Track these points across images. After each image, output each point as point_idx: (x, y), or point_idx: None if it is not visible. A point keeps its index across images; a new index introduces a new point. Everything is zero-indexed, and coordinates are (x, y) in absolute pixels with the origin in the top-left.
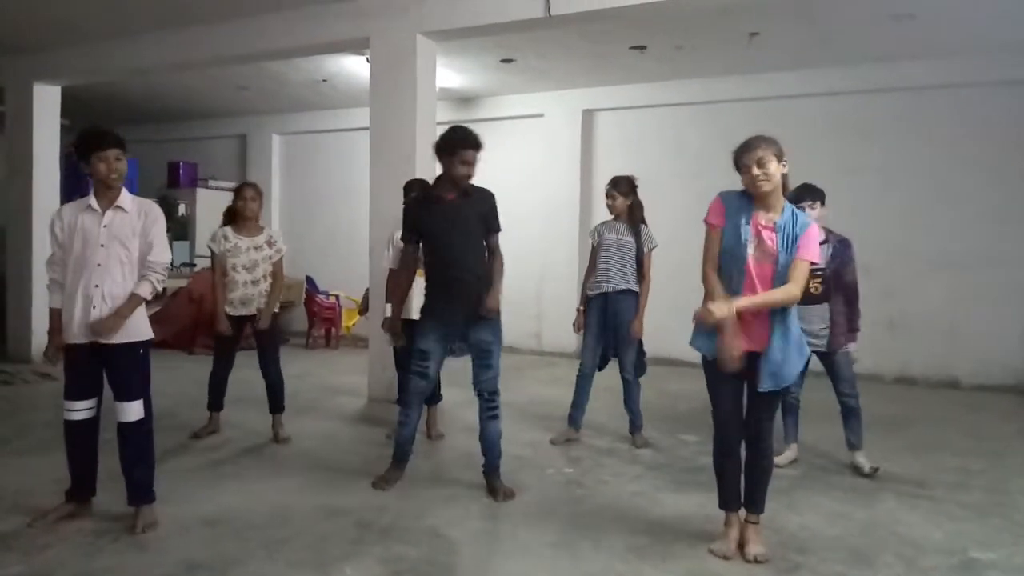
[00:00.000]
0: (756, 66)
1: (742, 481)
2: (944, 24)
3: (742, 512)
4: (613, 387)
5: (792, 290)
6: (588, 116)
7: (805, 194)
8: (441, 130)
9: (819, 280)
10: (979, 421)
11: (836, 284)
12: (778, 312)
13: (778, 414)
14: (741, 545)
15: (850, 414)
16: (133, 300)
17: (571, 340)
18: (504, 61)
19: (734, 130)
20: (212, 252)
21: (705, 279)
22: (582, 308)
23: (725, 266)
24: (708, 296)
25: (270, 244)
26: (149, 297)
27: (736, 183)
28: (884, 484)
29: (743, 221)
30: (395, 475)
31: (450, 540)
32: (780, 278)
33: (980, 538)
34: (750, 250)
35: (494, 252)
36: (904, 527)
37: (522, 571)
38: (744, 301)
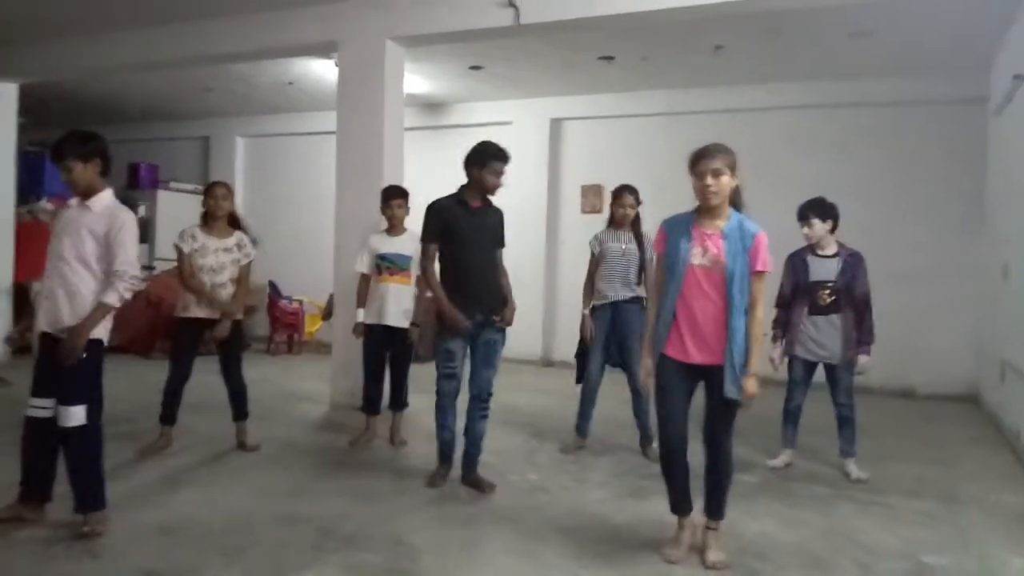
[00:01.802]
0: (721, 79)
1: (690, 485)
2: (900, 43)
3: (697, 516)
4: (576, 394)
5: (759, 314)
6: (556, 125)
7: (809, 210)
8: (409, 135)
9: (828, 292)
10: (933, 429)
11: (846, 297)
12: (733, 323)
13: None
14: (701, 550)
15: (845, 423)
16: (99, 310)
17: (535, 348)
18: (473, 68)
19: (700, 141)
20: (179, 250)
21: (648, 307)
22: (587, 312)
23: (666, 283)
24: (648, 321)
25: (239, 247)
26: (117, 305)
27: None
28: (842, 491)
29: (683, 237)
30: (444, 471)
31: (412, 547)
32: (734, 285)
33: (932, 544)
34: (695, 260)
35: (500, 266)
36: (860, 533)
37: None
38: (754, 360)
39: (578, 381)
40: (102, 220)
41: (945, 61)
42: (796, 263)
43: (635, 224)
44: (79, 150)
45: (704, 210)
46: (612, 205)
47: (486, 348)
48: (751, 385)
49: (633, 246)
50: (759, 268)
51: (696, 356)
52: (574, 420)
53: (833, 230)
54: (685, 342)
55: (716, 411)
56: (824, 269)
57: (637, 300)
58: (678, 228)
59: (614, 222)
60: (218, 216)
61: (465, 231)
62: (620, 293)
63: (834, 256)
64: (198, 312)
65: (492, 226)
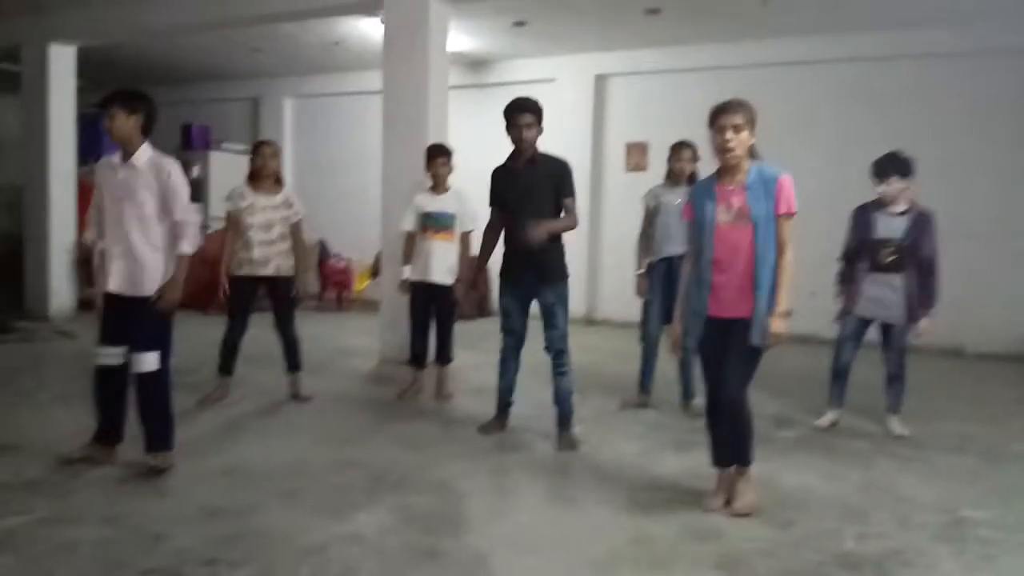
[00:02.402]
0: (770, 31)
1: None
2: None
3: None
4: (622, 351)
5: (787, 257)
6: (600, 81)
7: (890, 166)
8: (453, 94)
9: (891, 250)
10: (981, 388)
11: (911, 257)
12: (760, 272)
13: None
14: (730, 499)
15: (894, 380)
16: (181, 263)
17: (580, 305)
18: (516, 24)
19: (746, 97)
20: (228, 211)
21: (683, 271)
22: (642, 272)
23: (698, 247)
24: (682, 286)
25: (287, 205)
26: (192, 252)
27: None
28: (882, 447)
29: (707, 200)
30: (498, 425)
31: (458, 492)
32: (759, 232)
33: (972, 499)
34: (721, 218)
35: (569, 214)
36: (899, 487)
37: (526, 522)
38: (782, 299)
39: (641, 338)
40: (152, 175)
41: (1003, 8)
42: (864, 218)
43: (692, 179)
44: (127, 101)
45: (724, 169)
46: (670, 160)
47: (544, 311)
48: (779, 324)
49: None
50: (783, 210)
51: (728, 311)
52: (636, 376)
53: (909, 187)
54: (720, 299)
55: (737, 360)
56: (891, 227)
57: None
58: (702, 193)
59: (671, 176)
60: (265, 175)
61: (510, 193)
62: (678, 248)
63: (903, 214)
64: (251, 270)
65: (543, 184)
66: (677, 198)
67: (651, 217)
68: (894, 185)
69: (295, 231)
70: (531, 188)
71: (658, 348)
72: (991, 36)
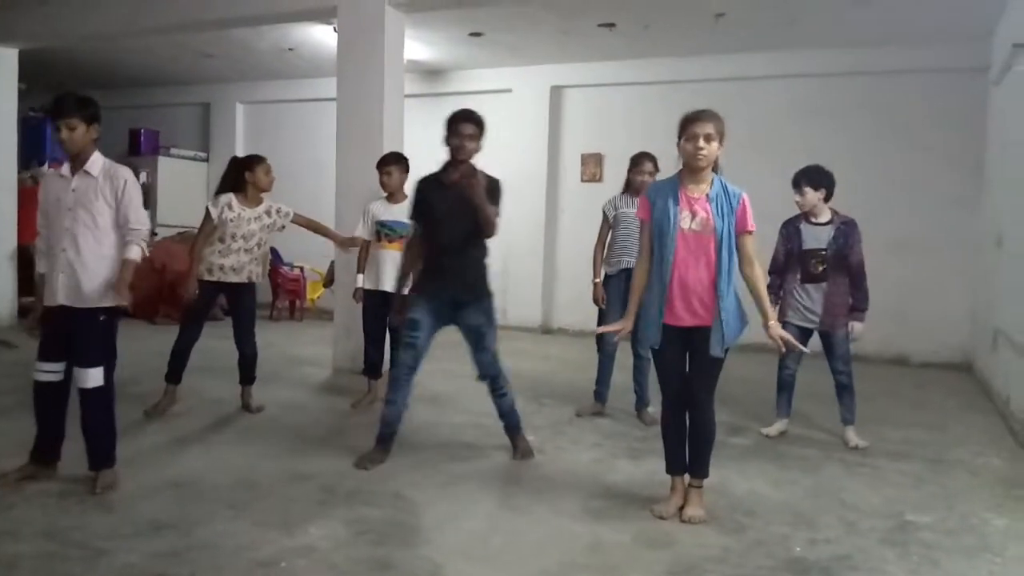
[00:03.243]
0: (722, 47)
1: (685, 446)
2: (901, 12)
3: (687, 477)
4: (578, 360)
5: (758, 270)
6: (556, 92)
7: (801, 178)
8: (409, 103)
9: (820, 260)
10: (925, 396)
11: (838, 265)
12: (721, 285)
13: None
14: (682, 506)
15: (843, 391)
16: (128, 265)
17: (535, 315)
18: (473, 35)
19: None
20: (208, 213)
21: (635, 271)
22: (599, 281)
23: (657, 250)
24: (632, 287)
25: (269, 214)
26: (139, 260)
27: None
28: (831, 453)
29: (670, 201)
30: (379, 456)
31: (412, 502)
32: (723, 247)
33: (916, 503)
34: (685, 224)
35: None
36: (847, 493)
37: (481, 531)
38: (768, 310)
39: (599, 348)
40: (108, 184)
41: (945, 30)
42: (790, 230)
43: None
44: (84, 111)
45: (689, 173)
46: (630, 172)
47: (471, 333)
48: (776, 329)
49: None
50: (750, 228)
51: (687, 319)
52: (590, 387)
53: (827, 199)
54: (676, 306)
55: (700, 371)
56: (817, 237)
57: None
58: (663, 194)
59: (631, 189)
60: (263, 189)
61: (436, 209)
62: (633, 260)
63: (827, 224)
64: (221, 276)
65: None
66: (635, 210)
67: (610, 226)
68: (808, 196)
69: (302, 221)
70: (462, 204)
71: (614, 358)
72: (934, 57)
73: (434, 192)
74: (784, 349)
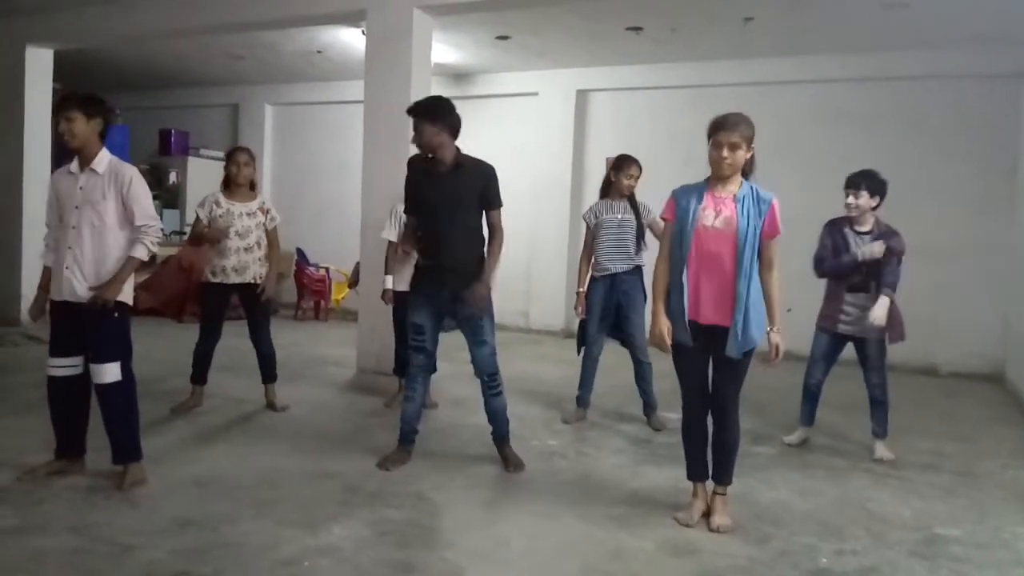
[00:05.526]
0: (750, 51)
1: (709, 454)
2: (934, 16)
3: (711, 484)
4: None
5: (776, 275)
6: (582, 96)
7: (862, 179)
8: None
9: (861, 270)
10: (955, 407)
11: (876, 277)
12: (740, 286)
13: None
14: (708, 515)
15: (877, 406)
16: (129, 263)
17: (558, 319)
18: (500, 38)
19: None
20: (197, 217)
21: (655, 272)
22: (583, 291)
23: (676, 249)
24: (654, 288)
25: (263, 211)
26: (145, 259)
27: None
28: (858, 464)
29: (694, 200)
30: (401, 457)
31: (434, 505)
32: (746, 248)
33: (945, 516)
34: (708, 221)
35: (494, 229)
36: (874, 504)
37: (502, 536)
38: (776, 317)
39: (579, 352)
40: (113, 181)
41: (979, 35)
42: (836, 237)
43: (632, 198)
44: (83, 105)
45: (716, 178)
46: (616, 175)
47: (469, 327)
48: (776, 337)
49: (630, 215)
50: (772, 231)
51: (709, 316)
52: (610, 391)
53: (877, 207)
54: (699, 303)
55: (722, 373)
56: (859, 246)
57: (637, 270)
58: (689, 195)
59: (613, 192)
60: (240, 182)
61: (432, 198)
62: (619, 264)
63: (868, 233)
64: (226, 278)
65: (467, 192)
66: (618, 214)
67: (592, 235)
68: (863, 199)
69: (271, 237)
70: (457, 195)
71: (597, 363)
72: (965, 62)
73: (429, 184)
74: (774, 356)
